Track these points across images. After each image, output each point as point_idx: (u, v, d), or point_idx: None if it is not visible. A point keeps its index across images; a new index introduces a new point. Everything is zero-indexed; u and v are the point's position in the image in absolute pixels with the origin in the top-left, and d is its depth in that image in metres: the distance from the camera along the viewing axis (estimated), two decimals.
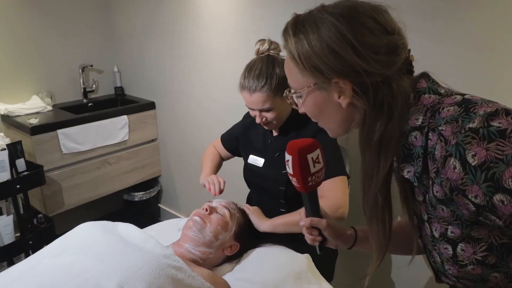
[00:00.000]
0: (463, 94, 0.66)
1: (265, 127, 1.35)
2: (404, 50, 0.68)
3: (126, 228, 1.03)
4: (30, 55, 2.49)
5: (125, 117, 2.53)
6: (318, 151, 0.80)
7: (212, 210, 1.21)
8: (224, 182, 1.39)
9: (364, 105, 0.68)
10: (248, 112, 1.54)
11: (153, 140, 2.78)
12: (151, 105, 2.70)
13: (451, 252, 0.69)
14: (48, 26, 2.54)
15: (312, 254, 1.27)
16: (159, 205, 2.95)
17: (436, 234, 0.70)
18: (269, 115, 1.28)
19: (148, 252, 0.90)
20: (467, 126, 0.57)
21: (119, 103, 2.83)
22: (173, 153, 2.72)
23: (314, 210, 0.88)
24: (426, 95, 0.68)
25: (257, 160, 1.43)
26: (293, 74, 0.73)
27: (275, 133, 1.41)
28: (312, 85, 0.71)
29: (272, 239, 1.29)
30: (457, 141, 0.57)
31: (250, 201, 1.52)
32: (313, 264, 1.25)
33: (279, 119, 1.31)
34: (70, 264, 0.88)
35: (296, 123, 1.37)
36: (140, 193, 2.76)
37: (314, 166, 0.79)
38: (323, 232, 0.88)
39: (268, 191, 1.40)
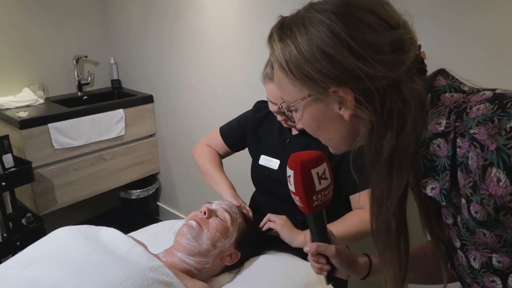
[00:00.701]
0: (492, 89, 0.53)
1: (285, 125, 1.19)
2: (413, 46, 0.57)
3: (110, 234, 0.90)
4: (21, 45, 2.36)
5: (121, 111, 2.40)
6: (324, 165, 0.72)
7: (211, 213, 1.07)
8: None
9: (369, 116, 0.57)
10: (259, 104, 1.39)
11: (151, 136, 2.66)
12: (149, 99, 2.56)
13: (500, 286, 0.55)
14: (40, 15, 2.41)
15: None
16: (157, 203, 2.83)
17: (476, 265, 0.57)
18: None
19: (132, 263, 0.77)
20: (508, 126, 0.45)
21: (115, 96, 2.70)
22: (172, 149, 2.59)
23: (321, 234, 0.77)
24: (447, 94, 0.55)
25: (270, 162, 1.27)
26: (284, 85, 0.62)
27: (294, 132, 1.25)
28: (306, 96, 0.60)
29: (277, 246, 1.15)
30: (498, 146, 0.45)
31: (254, 202, 1.38)
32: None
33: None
34: (40, 277, 0.75)
35: None
36: (138, 190, 2.63)
37: (320, 183, 0.71)
38: (332, 260, 0.76)
39: (283, 196, 1.24)
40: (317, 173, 0.71)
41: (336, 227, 1.09)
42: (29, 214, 2.00)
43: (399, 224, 0.61)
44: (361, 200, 1.12)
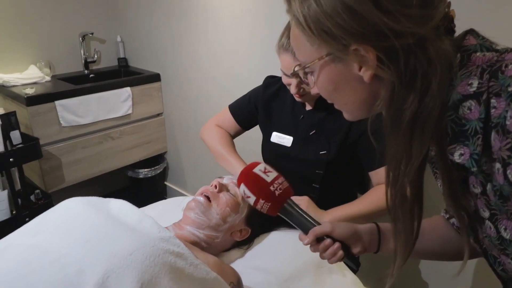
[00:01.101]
0: None
1: (299, 99, 1.14)
2: (443, 2, 0.52)
3: (119, 205, 0.88)
4: (26, 21, 2.32)
5: (128, 89, 2.37)
6: (263, 164, 0.80)
7: (222, 187, 1.05)
8: None
9: (391, 77, 0.52)
10: (269, 80, 1.34)
11: (158, 115, 2.63)
12: (156, 77, 2.53)
13: None
14: None
15: None
16: (165, 182, 2.82)
17: (507, 235, 0.54)
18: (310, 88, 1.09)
19: (142, 234, 0.75)
20: None
21: (122, 74, 2.67)
22: (180, 128, 2.56)
23: (307, 221, 0.77)
24: (478, 54, 0.51)
25: (283, 139, 1.22)
26: (301, 44, 0.58)
27: (308, 107, 1.21)
28: (324, 56, 0.56)
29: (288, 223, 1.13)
30: None
31: None
32: None
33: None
34: (48, 246, 0.73)
35: None
36: (145, 170, 2.62)
37: (268, 175, 0.78)
38: (335, 236, 0.76)
39: (298, 174, 1.21)
40: (260, 170, 0.79)
41: (355, 207, 1.06)
42: (37, 191, 2.00)
43: (416, 194, 0.58)
44: (381, 175, 1.09)
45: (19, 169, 1.84)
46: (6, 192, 1.83)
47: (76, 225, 0.78)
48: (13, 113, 1.85)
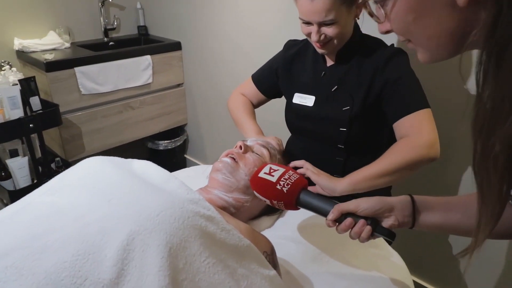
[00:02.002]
0: None
1: (321, 51, 1.07)
2: None
3: (143, 165, 0.81)
4: None
5: (148, 57, 2.29)
6: (268, 166, 0.84)
7: (247, 148, 0.98)
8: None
9: None
10: (290, 42, 1.27)
11: (179, 85, 2.56)
12: (176, 45, 2.44)
13: None
14: None
15: None
16: (185, 155, 2.78)
17: None
18: (330, 31, 1.00)
19: (170, 194, 0.68)
20: None
21: (142, 43, 2.59)
22: (201, 100, 2.49)
23: (328, 206, 0.74)
24: None
25: (305, 99, 1.16)
26: None
27: (330, 62, 1.13)
28: None
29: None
30: None
31: (292, 148, 1.27)
32: None
33: (342, 37, 1.04)
34: (67, 205, 0.67)
35: (358, 48, 1.08)
36: (165, 141, 2.57)
37: (273, 175, 0.80)
38: (361, 213, 0.71)
39: (322, 134, 1.14)
40: (265, 172, 0.82)
41: (375, 166, 0.97)
42: (57, 159, 1.97)
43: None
44: (405, 125, 0.99)
45: (39, 136, 1.80)
46: (26, 158, 1.80)
47: (97, 183, 0.71)
48: (33, 78, 1.80)
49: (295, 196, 0.77)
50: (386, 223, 0.71)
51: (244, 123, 1.26)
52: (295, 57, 1.22)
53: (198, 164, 2.68)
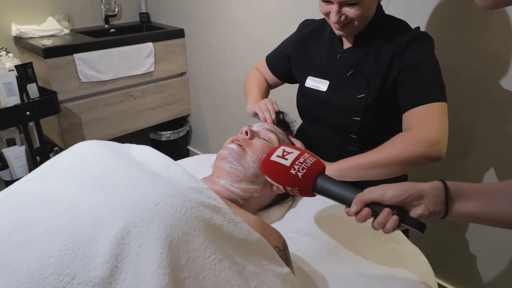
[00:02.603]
0: None
1: (339, 32, 0.97)
2: None
3: (142, 150, 0.73)
4: None
5: (150, 44, 2.22)
6: (281, 148, 0.76)
7: (253, 134, 0.90)
8: (276, 104, 1.07)
9: None
10: (306, 22, 1.19)
11: (182, 74, 2.48)
12: (179, 33, 2.35)
13: None
14: None
15: None
16: (188, 147, 2.71)
17: None
18: (352, 12, 0.90)
19: (171, 182, 0.60)
20: None
21: (144, 30, 2.51)
22: (205, 89, 2.41)
23: (349, 193, 0.67)
24: None
25: (318, 83, 1.07)
26: None
27: (347, 45, 1.04)
28: None
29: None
30: None
31: (303, 135, 1.20)
32: None
33: (364, 19, 0.94)
34: (57, 193, 0.60)
35: (379, 31, 0.99)
36: (168, 132, 2.50)
37: (287, 158, 0.73)
38: (386, 202, 0.63)
39: (334, 123, 1.06)
40: (277, 155, 0.74)
41: (368, 156, 0.90)
42: (56, 148, 1.91)
43: None
44: (413, 117, 0.91)
45: (36, 124, 1.73)
46: (23, 148, 1.73)
47: (90, 169, 0.64)
48: (30, 64, 1.73)
49: (311, 182, 0.70)
50: (415, 212, 0.63)
51: (249, 92, 1.22)
52: (310, 38, 1.13)
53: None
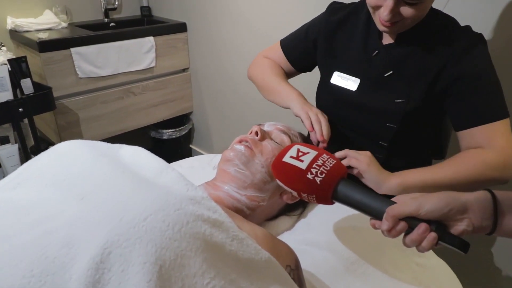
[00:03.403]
0: None
1: (384, 29, 0.83)
2: None
3: (133, 152, 0.64)
4: None
5: (151, 38, 2.12)
6: (296, 147, 0.66)
7: (264, 135, 0.80)
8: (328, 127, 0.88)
9: None
10: (335, 5, 1.02)
11: (184, 70, 2.38)
12: (181, 27, 2.26)
13: None
14: None
15: None
16: (190, 145, 2.62)
17: None
18: (410, 12, 0.76)
19: (164, 190, 0.51)
20: None
21: (145, 24, 2.42)
22: (208, 86, 2.31)
23: (375, 203, 0.57)
24: None
25: (347, 80, 0.94)
26: None
27: (387, 40, 0.90)
28: None
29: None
30: None
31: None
32: None
33: (418, 20, 0.81)
34: (28, 203, 0.50)
35: (427, 28, 0.85)
36: (170, 130, 2.41)
37: (303, 160, 0.63)
38: (423, 216, 0.54)
39: (362, 127, 0.94)
40: (291, 156, 0.64)
41: (436, 172, 0.79)
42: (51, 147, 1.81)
43: None
44: (476, 136, 0.81)
45: (30, 121, 1.64)
46: (16, 146, 1.64)
47: (70, 174, 0.54)
48: (24, 58, 1.64)
49: (331, 188, 0.60)
50: (457, 228, 0.53)
51: (278, 86, 0.99)
52: (341, 26, 0.98)
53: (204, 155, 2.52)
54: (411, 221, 0.55)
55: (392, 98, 0.87)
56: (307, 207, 0.87)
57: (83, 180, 0.53)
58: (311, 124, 0.84)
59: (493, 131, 0.79)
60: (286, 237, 0.78)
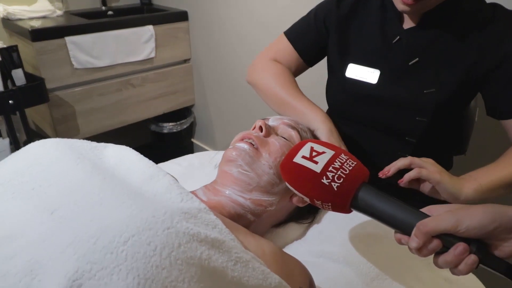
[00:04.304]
0: None
1: (403, 8, 0.71)
2: None
3: (119, 154, 0.54)
4: None
5: (150, 27, 2.02)
6: (308, 144, 0.56)
7: (269, 130, 0.70)
8: None
9: None
10: None
11: (185, 61, 2.29)
12: (182, 15, 2.16)
13: None
14: None
15: None
16: (192, 139, 2.53)
17: None
18: None
19: (152, 202, 0.42)
20: None
21: (144, 13, 2.32)
22: (210, 78, 2.22)
23: (404, 214, 0.48)
24: None
25: (365, 73, 0.83)
26: None
27: (408, 24, 0.79)
28: None
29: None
30: None
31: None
32: None
33: None
34: None
35: (454, 6, 0.75)
36: (170, 124, 2.32)
37: (317, 161, 0.53)
38: (462, 233, 0.44)
39: (387, 123, 0.83)
40: (303, 156, 0.55)
41: (496, 171, 0.69)
42: None
43: None
44: None
45: (21, 114, 1.56)
46: (7, 141, 1.56)
47: (40, 182, 0.45)
48: (15, 48, 1.55)
49: (350, 196, 0.51)
50: (503, 250, 0.44)
51: (296, 102, 0.84)
52: (354, 11, 0.86)
53: (207, 150, 2.44)
54: (447, 238, 0.45)
55: (421, 88, 0.77)
56: (321, 212, 0.77)
57: (55, 189, 0.43)
58: None
59: None
60: (296, 248, 0.69)
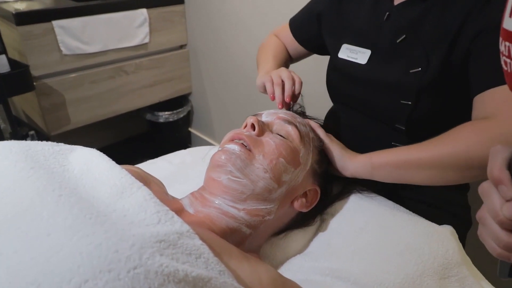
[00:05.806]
0: None
1: None
2: None
3: (86, 160, 0.45)
4: None
5: (143, 11, 1.91)
6: None
7: (263, 128, 0.61)
8: (301, 83, 0.77)
9: None
10: None
11: (181, 47, 2.19)
12: None
13: None
14: None
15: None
16: (189, 129, 2.45)
17: None
18: None
19: (116, 230, 0.32)
20: None
21: None
22: (208, 64, 2.12)
23: None
24: None
25: (356, 53, 0.79)
26: None
27: (399, 0, 0.74)
28: None
29: (373, 182, 0.69)
30: None
31: (332, 123, 0.91)
32: (461, 246, 0.65)
33: None
34: None
35: None
36: (166, 113, 2.23)
37: None
38: None
39: (375, 107, 0.78)
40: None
41: (419, 150, 0.64)
42: (32, 132, 1.64)
43: None
44: (493, 100, 0.61)
45: (5, 104, 1.46)
46: None
47: None
48: None
49: None
50: None
51: (260, 64, 0.94)
52: None
53: (205, 139, 2.36)
54: None
55: (407, 67, 0.70)
56: (328, 219, 0.68)
57: None
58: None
59: (508, 95, 0.58)
60: (299, 264, 0.60)
